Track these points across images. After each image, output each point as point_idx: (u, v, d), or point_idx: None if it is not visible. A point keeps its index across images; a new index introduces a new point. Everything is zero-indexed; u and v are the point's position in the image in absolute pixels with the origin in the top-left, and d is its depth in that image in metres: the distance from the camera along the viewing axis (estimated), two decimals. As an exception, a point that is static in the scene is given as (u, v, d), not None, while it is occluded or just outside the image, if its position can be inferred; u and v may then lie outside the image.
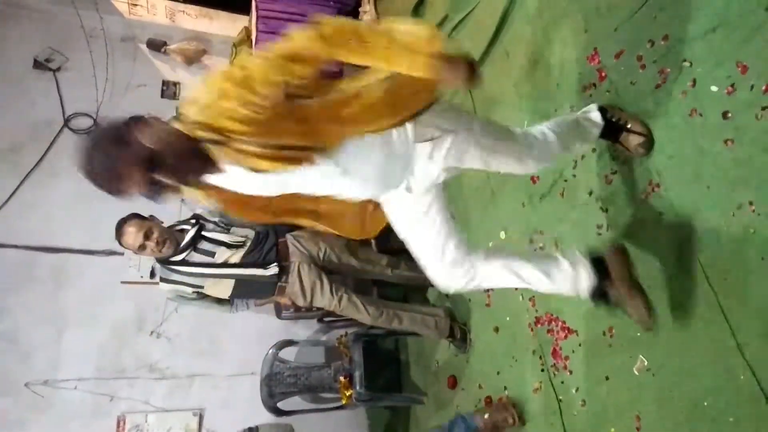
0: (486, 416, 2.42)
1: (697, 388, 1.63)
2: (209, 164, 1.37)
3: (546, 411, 2.28)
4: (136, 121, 1.32)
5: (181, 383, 3.81)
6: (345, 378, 3.27)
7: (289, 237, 2.84)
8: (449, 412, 3.00)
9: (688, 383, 1.66)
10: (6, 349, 3.52)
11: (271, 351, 3.48)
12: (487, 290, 2.71)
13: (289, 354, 3.67)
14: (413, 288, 3.39)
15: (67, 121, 4.03)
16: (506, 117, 2.66)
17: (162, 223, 2.70)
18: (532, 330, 2.41)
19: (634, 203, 1.91)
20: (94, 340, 3.70)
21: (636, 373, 1.84)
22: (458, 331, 2.92)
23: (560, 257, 1.78)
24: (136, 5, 4.58)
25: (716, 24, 1.63)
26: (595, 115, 1.88)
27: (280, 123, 1.34)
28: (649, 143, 1.82)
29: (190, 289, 2.75)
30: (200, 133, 1.31)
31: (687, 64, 1.72)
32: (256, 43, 4.14)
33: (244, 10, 4.61)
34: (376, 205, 1.78)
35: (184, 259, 2.66)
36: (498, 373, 2.62)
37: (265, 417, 3.42)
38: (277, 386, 3.37)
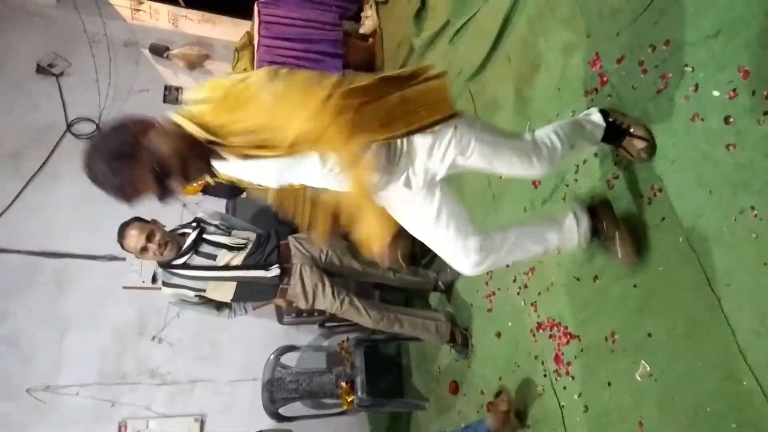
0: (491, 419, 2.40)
1: (699, 394, 1.62)
2: (211, 162, 1.41)
3: (548, 417, 2.27)
4: (140, 125, 1.34)
5: (182, 388, 3.80)
6: (346, 383, 3.26)
7: (290, 239, 2.85)
8: (451, 418, 2.99)
9: (691, 388, 1.65)
10: (7, 354, 3.52)
11: (272, 356, 3.48)
12: (488, 272, 2.73)
13: (290, 359, 3.66)
14: (415, 292, 3.38)
15: (69, 126, 4.04)
16: (508, 121, 2.66)
17: (164, 227, 2.71)
18: (533, 335, 2.40)
19: (636, 208, 1.91)
20: (95, 345, 3.70)
21: (638, 378, 1.83)
22: (460, 336, 2.92)
23: (561, 214, 1.89)
24: (138, 10, 4.61)
25: (718, 29, 1.63)
26: (597, 117, 1.88)
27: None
28: (651, 148, 1.82)
29: (192, 293, 2.75)
30: (202, 134, 1.34)
31: (689, 68, 1.72)
32: (258, 47, 4.15)
33: (247, 15, 4.63)
34: None
35: (185, 262, 2.66)
36: (500, 378, 2.61)
37: (266, 423, 3.41)
38: (278, 392, 3.37)
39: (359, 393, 3.16)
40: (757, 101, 1.50)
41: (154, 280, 2.82)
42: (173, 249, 2.64)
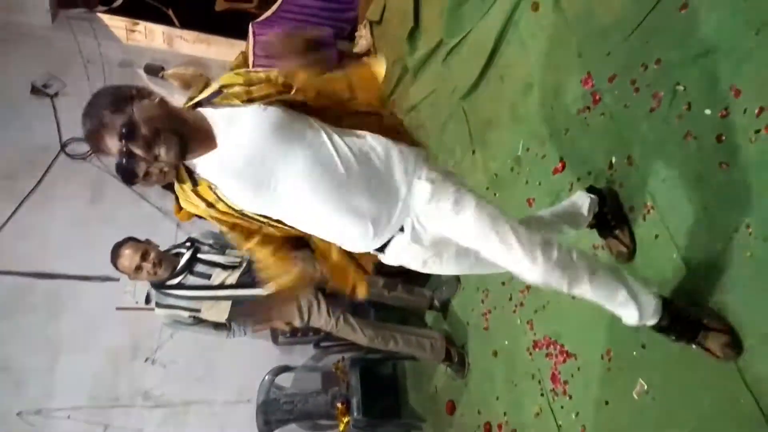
0: None
1: (696, 412, 1.61)
2: (187, 146, 1.36)
3: (546, 437, 2.25)
4: (140, 91, 1.37)
5: (175, 411, 3.75)
6: (342, 404, 3.23)
7: (285, 258, 2.83)
8: (448, 438, 2.96)
9: (688, 407, 1.64)
10: (-2, 377, 3.48)
11: (267, 377, 3.44)
12: (484, 290, 2.76)
13: (285, 380, 3.63)
14: (411, 311, 3.37)
15: (63, 147, 4.04)
16: (501, 139, 2.67)
17: (158, 246, 2.69)
18: (530, 354, 2.39)
19: (630, 225, 1.91)
20: (88, 368, 3.65)
21: (636, 397, 1.82)
22: (456, 354, 2.90)
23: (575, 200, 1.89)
24: (134, 31, 4.63)
25: (708, 48, 1.65)
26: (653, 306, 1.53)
27: None
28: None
29: (186, 314, 2.72)
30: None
31: (680, 87, 1.73)
32: (253, 67, 4.17)
33: (241, 35, 4.66)
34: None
35: (180, 282, 2.65)
36: (497, 398, 2.59)
37: (261, 445, 3.36)
38: (273, 413, 3.33)
39: (355, 414, 3.13)
40: (749, 119, 1.51)
41: (147, 300, 2.79)
42: (168, 268, 2.63)
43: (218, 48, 4.88)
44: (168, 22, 4.84)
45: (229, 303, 2.69)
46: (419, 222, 1.49)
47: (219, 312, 2.72)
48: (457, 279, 3.05)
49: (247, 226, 1.55)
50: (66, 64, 4.22)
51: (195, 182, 1.46)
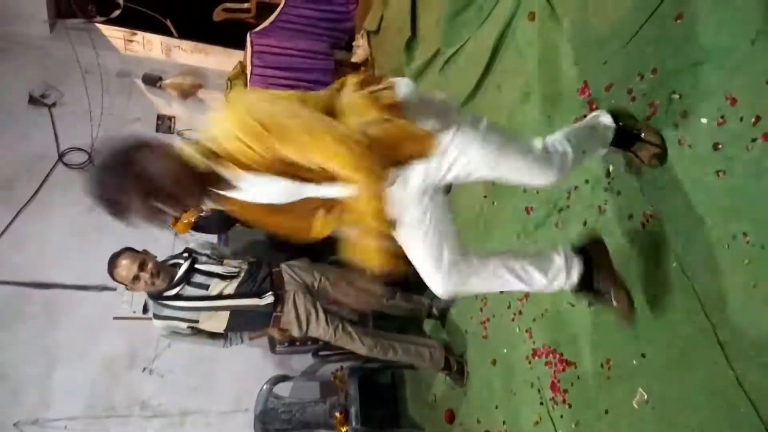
0: None
1: (696, 421, 1.61)
2: (210, 190, 1.39)
3: (545, 446, 2.24)
4: (143, 146, 1.34)
5: (173, 421, 3.74)
6: (341, 414, 3.22)
7: (283, 266, 2.83)
8: (447, 448, 2.94)
9: (688, 416, 1.64)
10: (-5, 387, 3.46)
11: (265, 386, 3.43)
12: (483, 298, 2.74)
13: (283, 389, 3.61)
14: (409, 319, 3.36)
15: (61, 156, 4.04)
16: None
17: (155, 257, 2.69)
18: (529, 362, 2.38)
19: (628, 234, 1.91)
20: (85, 377, 3.64)
21: (635, 406, 1.82)
22: (454, 363, 2.89)
23: (552, 252, 1.80)
24: (132, 41, 4.65)
25: (704, 57, 1.66)
26: (607, 119, 1.83)
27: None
28: (663, 155, 1.77)
29: (184, 324, 2.71)
30: (207, 160, 1.35)
31: (676, 96, 1.74)
32: (251, 77, 4.19)
33: (239, 45, 4.67)
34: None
35: (177, 293, 2.64)
36: (496, 407, 2.58)
37: (259, 455, 3.34)
38: (271, 423, 3.31)
39: (354, 423, 3.12)
40: (745, 127, 1.52)
41: (145, 310, 2.78)
42: (166, 279, 2.62)
43: (216, 58, 4.90)
44: (166, 32, 4.86)
45: (227, 313, 2.68)
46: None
47: (217, 322, 2.71)
48: (455, 287, 3.04)
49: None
50: (64, 74, 4.23)
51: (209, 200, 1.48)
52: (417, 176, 1.54)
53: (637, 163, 1.87)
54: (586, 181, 2.13)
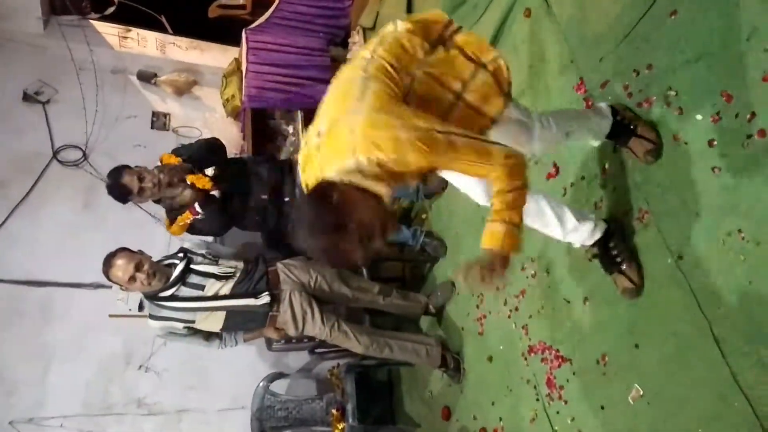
0: None
1: (692, 417, 1.62)
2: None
3: (542, 442, 2.25)
4: (342, 198, 1.33)
5: (169, 419, 3.72)
6: (337, 411, 3.22)
7: (279, 265, 2.82)
8: (444, 444, 2.95)
9: (683, 412, 1.64)
10: (-10, 385, 3.45)
11: (261, 384, 3.43)
12: (479, 295, 2.76)
13: (280, 387, 3.61)
14: (406, 316, 3.36)
15: (55, 154, 4.02)
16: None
17: (151, 257, 2.67)
18: (525, 359, 2.39)
19: (624, 230, 1.92)
20: (80, 376, 3.62)
21: (631, 402, 1.83)
22: (451, 360, 2.89)
23: (586, 209, 1.89)
24: (126, 38, 4.62)
25: (700, 54, 1.66)
26: (606, 111, 1.85)
27: None
28: (657, 151, 1.78)
29: (180, 325, 2.70)
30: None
31: (672, 93, 1.75)
32: (246, 73, 4.17)
33: (235, 41, 4.65)
34: None
35: (173, 294, 2.62)
36: (493, 403, 2.59)
37: (256, 452, 3.34)
38: (268, 420, 3.31)
39: (350, 420, 3.12)
40: (741, 124, 1.52)
41: (140, 308, 2.77)
42: (161, 279, 2.61)
43: (211, 54, 4.87)
44: (161, 28, 4.83)
45: (223, 313, 2.67)
46: None
47: (213, 322, 2.70)
48: (452, 284, 3.05)
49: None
50: (58, 72, 4.20)
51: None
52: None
53: (632, 159, 1.88)
54: (582, 178, 2.13)
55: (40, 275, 3.69)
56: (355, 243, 1.33)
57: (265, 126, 4.45)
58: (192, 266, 2.67)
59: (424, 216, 3.46)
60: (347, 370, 3.26)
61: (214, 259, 2.75)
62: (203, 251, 2.77)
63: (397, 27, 1.54)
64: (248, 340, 3.00)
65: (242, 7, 4.86)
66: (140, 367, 3.74)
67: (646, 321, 1.80)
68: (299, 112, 4.21)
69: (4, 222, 3.73)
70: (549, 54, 2.38)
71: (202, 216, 2.79)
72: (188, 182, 2.77)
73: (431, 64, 1.49)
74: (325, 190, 1.35)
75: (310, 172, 1.46)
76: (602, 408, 1.95)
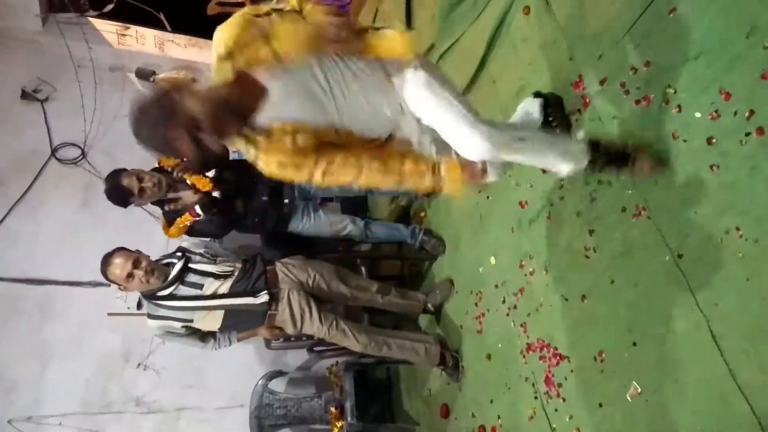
0: None
1: (690, 415, 1.61)
2: (247, 116, 1.51)
3: (540, 440, 2.25)
4: (179, 90, 1.44)
5: (168, 417, 3.72)
6: (336, 409, 3.22)
7: (278, 264, 2.82)
8: (442, 442, 2.95)
9: (681, 409, 1.64)
10: (-12, 384, 3.44)
11: (260, 382, 3.43)
12: (477, 292, 2.77)
13: (278, 385, 3.61)
14: (404, 315, 3.36)
15: (54, 152, 4.01)
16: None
17: (149, 256, 2.67)
18: (524, 357, 2.39)
19: (622, 227, 1.91)
20: (79, 374, 3.62)
21: (629, 399, 1.82)
22: (450, 358, 2.89)
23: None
24: (125, 35, 4.61)
25: (698, 52, 1.66)
26: (579, 141, 1.86)
27: None
28: (662, 163, 1.76)
29: (179, 324, 2.70)
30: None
31: (671, 90, 1.74)
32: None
33: (233, 39, 4.63)
34: None
35: (171, 293, 2.62)
36: (491, 401, 2.59)
37: (255, 450, 3.34)
38: (266, 418, 3.31)
39: (349, 418, 3.12)
40: (740, 122, 1.52)
41: (139, 306, 2.76)
42: (160, 277, 2.61)
43: (210, 52, 4.85)
44: (159, 26, 4.81)
45: (222, 313, 2.67)
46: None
47: (212, 322, 2.70)
48: (450, 282, 3.05)
49: (328, 136, 1.62)
50: (56, 69, 4.19)
51: (268, 132, 1.56)
52: None
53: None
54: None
55: (39, 273, 3.69)
56: (182, 135, 1.39)
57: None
58: (190, 265, 2.67)
59: (422, 214, 3.46)
60: (346, 368, 3.26)
61: (213, 258, 2.75)
62: (201, 250, 2.77)
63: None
64: (242, 339, 3.00)
65: (241, 4, 4.85)
66: (139, 365, 3.74)
67: (644, 319, 1.80)
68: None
69: (2, 220, 3.72)
70: (548, 51, 2.38)
71: (203, 217, 2.79)
72: (189, 183, 2.77)
73: None
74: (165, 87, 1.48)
75: None
76: (600, 405, 1.95)
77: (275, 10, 1.55)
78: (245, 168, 2.94)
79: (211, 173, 2.83)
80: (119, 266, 2.54)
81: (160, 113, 1.40)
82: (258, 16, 1.52)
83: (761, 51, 1.48)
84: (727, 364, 1.51)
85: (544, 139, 1.84)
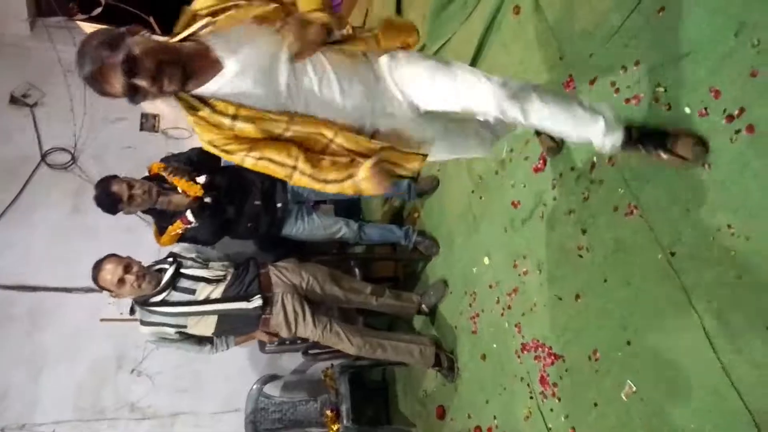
0: None
1: (684, 412, 1.62)
2: (189, 76, 1.46)
3: (536, 439, 2.25)
4: (130, 30, 1.45)
5: (163, 423, 3.70)
6: (332, 412, 3.21)
7: (271, 268, 2.81)
8: (438, 443, 2.95)
9: (676, 407, 1.65)
10: (-20, 392, 3.41)
11: (255, 386, 3.42)
12: (472, 293, 2.73)
13: (273, 389, 3.60)
14: (399, 316, 3.36)
15: (44, 157, 3.98)
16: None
17: (140, 263, 2.65)
18: (519, 357, 2.39)
19: (614, 226, 1.92)
20: (72, 380, 3.60)
21: (624, 398, 1.83)
22: (445, 359, 2.89)
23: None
24: (114, 39, 4.58)
25: (688, 50, 1.66)
26: (613, 135, 1.65)
27: None
28: (704, 144, 1.60)
29: (172, 330, 2.68)
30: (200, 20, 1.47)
31: (661, 89, 1.75)
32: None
33: (224, 42, 4.62)
34: None
35: (164, 299, 2.60)
36: (487, 401, 2.59)
37: (250, 455, 3.32)
38: (262, 423, 3.30)
39: (345, 421, 3.11)
40: (729, 120, 1.53)
41: (132, 311, 2.74)
42: (151, 282, 2.58)
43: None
44: (149, 30, 4.80)
45: (215, 317, 2.65)
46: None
47: (205, 327, 2.68)
48: (444, 283, 3.05)
49: (274, 128, 1.56)
50: (45, 74, 4.16)
51: (212, 106, 1.51)
52: None
53: (622, 155, 1.84)
54: (572, 169, 2.13)
55: (30, 280, 3.66)
56: (118, 69, 1.36)
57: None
58: (182, 270, 2.65)
59: (416, 215, 3.46)
60: (341, 371, 3.25)
61: (205, 263, 2.73)
62: (193, 255, 2.75)
63: None
64: (239, 344, 2.99)
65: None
66: (132, 371, 3.71)
67: (637, 317, 1.80)
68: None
69: (-8, 226, 3.70)
70: (538, 51, 2.38)
71: (195, 224, 2.77)
72: (180, 191, 2.75)
73: None
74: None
75: None
76: (595, 405, 1.95)
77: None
78: (237, 173, 2.94)
79: (202, 179, 2.81)
80: (110, 272, 2.52)
81: (105, 40, 1.40)
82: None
83: (750, 49, 1.48)
84: (721, 361, 1.51)
85: (565, 95, 1.73)
